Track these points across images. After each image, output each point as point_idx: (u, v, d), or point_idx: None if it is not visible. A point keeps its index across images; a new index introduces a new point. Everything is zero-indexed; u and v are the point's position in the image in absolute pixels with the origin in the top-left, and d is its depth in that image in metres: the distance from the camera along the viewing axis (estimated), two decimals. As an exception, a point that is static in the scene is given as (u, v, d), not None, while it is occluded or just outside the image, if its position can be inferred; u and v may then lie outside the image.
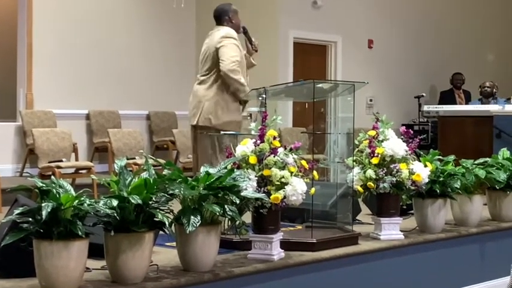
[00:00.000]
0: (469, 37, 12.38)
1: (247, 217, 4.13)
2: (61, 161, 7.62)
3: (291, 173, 4.02)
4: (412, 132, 5.03)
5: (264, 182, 4.00)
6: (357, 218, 5.64)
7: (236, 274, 3.87)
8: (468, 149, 7.45)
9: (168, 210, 3.69)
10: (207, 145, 5.54)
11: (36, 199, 3.43)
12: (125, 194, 3.44)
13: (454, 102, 10.98)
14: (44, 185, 3.36)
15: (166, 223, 3.49)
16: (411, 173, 4.82)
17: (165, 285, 3.55)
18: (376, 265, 4.70)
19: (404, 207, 5.56)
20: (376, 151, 4.83)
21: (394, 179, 4.77)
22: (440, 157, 5.36)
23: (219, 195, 3.73)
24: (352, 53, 10.69)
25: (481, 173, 5.41)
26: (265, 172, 3.99)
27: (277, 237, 4.12)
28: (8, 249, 3.40)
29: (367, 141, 4.91)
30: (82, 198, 3.32)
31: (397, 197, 4.91)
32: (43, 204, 3.18)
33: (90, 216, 3.40)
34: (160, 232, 3.68)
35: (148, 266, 3.59)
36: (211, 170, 3.84)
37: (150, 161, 3.87)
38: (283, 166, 4.03)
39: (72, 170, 7.64)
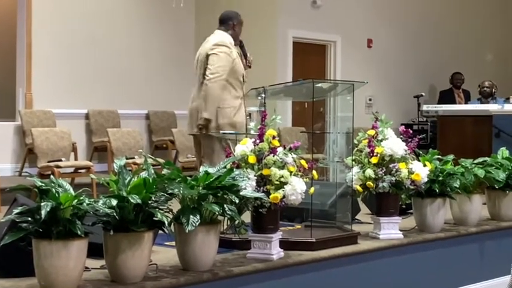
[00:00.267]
0: (469, 37, 12.38)
1: (247, 216, 4.13)
2: (60, 160, 7.61)
3: (290, 172, 4.02)
4: (411, 131, 5.04)
5: (263, 182, 4.00)
6: (356, 217, 5.64)
7: (235, 273, 3.87)
8: (467, 149, 7.46)
9: (168, 210, 3.69)
10: (214, 150, 5.49)
11: (36, 199, 3.43)
12: (124, 194, 3.44)
13: (453, 102, 10.99)
14: (43, 185, 3.36)
15: (166, 222, 3.50)
16: (410, 172, 4.82)
17: (164, 285, 3.55)
18: (375, 264, 4.70)
19: (404, 206, 5.56)
20: (375, 150, 4.83)
21: (394, 178, 4.78)
22: (439, 156, 5.36)
23: (219, 194, 3.73)
24: (351, 53, 10.69)
25: (480, 173, 5.42)
26: (265, 171, 3.99)
27: (277, 236, 4.12)
28: (7, 248, 3.39)
29: (367, 140, 4.91)
30: (81, 198, 3.32)
31: (396, 197, 4.92)
32: (42, 204, 3.18)
33: (89, 215, 3.40)
34: (160, 231, 3.69)
35: (147, 266, 3.59)
36: (211, 170, 3.85)
37: (149, 161, 3.87)
38: (282, 166, 4.04)
39: (72, 170, 7.64)
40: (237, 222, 4.00)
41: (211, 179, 3.74)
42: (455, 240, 5.29)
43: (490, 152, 6.48)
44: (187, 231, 3.56)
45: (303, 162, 4.16)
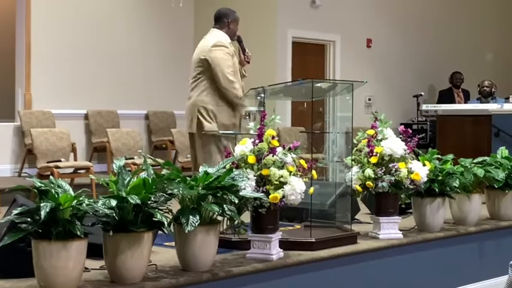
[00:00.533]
0: (468, 36, 12.38)
1: (246, 217, 4.13)
2: (60, 161, 7.61)
3: (290, 172, 4.02)
4: (410, 131, 5.04)
5: (262, 182, 4.00)
6: (356, 217, 5.64)
7: (235, 274, 3.87)
8: (467, 148, 7.46)
9: (167, 210, 3.69)
10: (209, 150, 5.49)
11: (35, 199, 3.43)
12: (124, 194, 3.44)
13: (452, 102, 10.99)
14: (42, 185, 3.36)
15: (165, 223, 3.50)
16: (410, 172, 4.82)
17: (164, 285, 3.55)
18: (375, 264, 4.71)
19: (403, 206, 5.56)
20: (374, 150, 4.83)
21: (393, 178, 4.78)
22: (439, 156, 5.36)
23: (218, 194, 3.73)
24: (350, 53, 10.68)
25: (480, 172, 5.42)
26: (264, 172, 3.99)
27: (276, 236, 4.12)
28: (6, 249, 3.39)
29: (366, 140, 4.91)
30: (81, 198, 3.32)
31: (396, 196, 4.92)
32: (42, 205, 3.18)
33: (88, 216, 3.40)
34: (159, 232, 3.68)
35: (147, 266, 3.59)
36: (210, 170, 3.84)
37: (149, 161, 3.87)
38: (281, 166, 4.04)
39: (71, 170, 7.64)
40: (236, 222, 4.00)
41: (210, 179, 3.74)
42: (455, 239, 5.29)
43: (489, 152, 6.49)
44: (186, 231, 3.56)
45: (302, 162, 4.16)
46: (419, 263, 5.03)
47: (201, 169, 3.89)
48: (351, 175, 4.84)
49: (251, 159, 4.03)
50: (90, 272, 3.65)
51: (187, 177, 3.78)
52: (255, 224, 4.09)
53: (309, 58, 10.38)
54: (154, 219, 3.49)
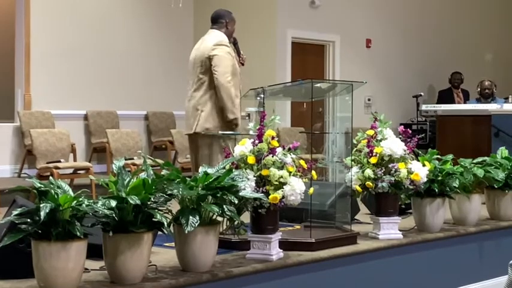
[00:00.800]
0: (468, 36, 12.38)
1: (246, 217, 4.13)
2: (59, 161, 7.61)
3: (290, 172, 4.02)
4: (410, 131, 5.04)
5: (262, 182, 4.00)
6: (356, 217, 5.64)
7: (235, 274, 3.87)
8: (466, 148, 7.46)
9: (167, 211, 3.69)
10: (214, 151, 5.48)
11: (35, 200, 3.43)
12: (123, 195, 3.44)
13: (452, 102, 10.99)
14: (42, 186, 3.36)
15: (165, 223, 3.50)
16: (409, 172, 4.82)
17: (163, 286, 3.55)
18: (374, 264, 4.70)
19: (403, 206, 5.56)
20: (374, 150, 4.83)
21: (393, 178, 4.78)
22: (438, 156, 5.36)
23: (218, 195, 3.73)
24: (350, 53, 10.68)
25: (480, 172, 5.42)
26: (264, 172, 3.99)
27: (276, 237, 4.12)
28: (6, 250, 3.39)
29: (366, 140, 4.91)
30: (80, 199, 3.32)
31: (396, 197, 4.92)
32: (41, 205, 3.18)
33: (88, 216, 3.40)
34: (159, 232, 3.68)
35: (147, 267, 3.59)
36: (210, 170, 3.84)
37: (149, 161, 3.87)
38: (281, 166, 4.03)
39: (71, 171, 7.64)
40: (236, 222, 4.00)
41: (210, 180, 3.74)
42: (455, 240, 5.29)
43: (489, 152, 6.48)
44: (186, 232, 3.56)
45: (302, 162, 4.15)
46: (419, 264, 5.03)
47: (201, 169, 3.89)
48: (351, 175, 4.84)
49: (251, 159, 4.03)
50: (90, 273, 3.65)
51: (186, 178, 3.78)
52: (255, 225, 4.09)
53: (308, 58, 10.38)
54: (154, 219, 3.49)
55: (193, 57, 5.64)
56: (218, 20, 5.68)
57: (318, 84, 4.94)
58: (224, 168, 3.92)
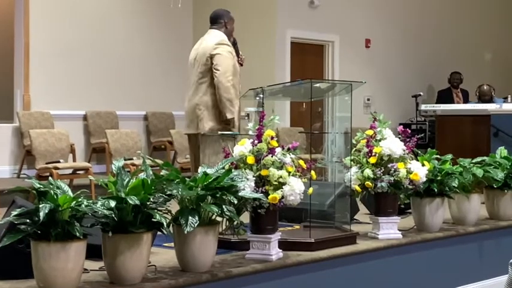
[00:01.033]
0: (467, 36, 12.38)
1: (245, 217, 4.13)
2: (58, 162, 7.61)
3: (289, 172, 4.02)
4: (409, 131, 5.04)
5: (261, 182, 4.00)
6: (355, 217, 5.64)
7: (234, 274, 3.87)
8: (466, 148, 7.46)
9: (166, 211, 3.69)
10: (213, 152, 5.48)
11: (34, 200, 3.43)
12: (123, 195, 3.44)
13: (451, 101, 10.99)
14: (41, 186, 3.36)
15: (164, 224, 3.50)
16: (409, 172, 4.82)
17: (163, 286, 3.55)
18: (374, 264, 4.70)
19: (402, 206, 5.56)
20: (373, 150, 4.83)
21: (392, 178, 4.78)
22: (437, 156, 5.36)
23: (217, 195, 3.73)
24: (349, 53, 10.68)
25: (479, 172, 5.42)
26: (263, 172, 3.99)
27: (275, 237, 4.12)
28: (5, 250, 3.39)
29: (365, 140, 4.91)
30: (80, 199, 3.32)
31: (395, 196, 4.92)
32: (41, 206, 3.18)
33: (88, 217, 3.40)
34: (159, 233, 3.68)
35: (146, 267, 3.59)
36: (209, 171, 3.84)
37: (148, 162, 3.87)
38: (281, 166, 4.03)
39: (70, 171, 7.64)
40: (235, 223, 4.00)
41: (209, 180, 3.74)
42: (454, 239, 5.29)
43: (488, 152, 6.48)
44: (186, 232, 3.56)
45: (301, 162, 4.15)
46: (419, 263, 5.03)
47: (200, 169, 3.89)
48: (350, 175, 4.84)
49: (250, 159, 4.03)
50: (89, 273, 3.65)
51: (186, 178, 3.78)
52: (254, 225, 4.09)
53: (307, 58, 10.37)
54: (153, 220, 3.49)
55: (194, 57, 5.64)
56: (217, 20, 5.68)
57: (317, 84, 4.94)
58: (223, 168, 3.92)
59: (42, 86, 8.85)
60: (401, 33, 11.42)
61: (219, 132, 5.42)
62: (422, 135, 8.74)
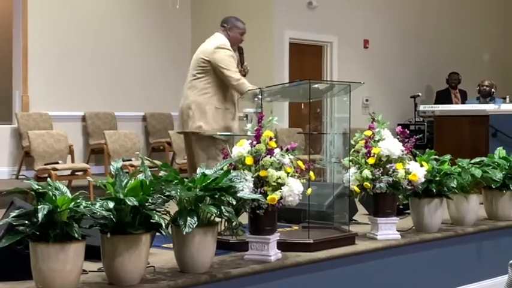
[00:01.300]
0: (465, 37, 12.39)
1: (244, 218, 4.13)
2: (57, 163, 7.61)
3: (288, 173, 4.02)
4: (408, 132, 5.04)
5: (260, 183, 4.00)
6: (354, 218, 5.64)
7: (233, 275, 3.87)
8: (464, 149, 7.46)
9: (165, 212, 3.68)
10: (205, 151, 5.51)
11: (32, 202, 3.43)
12: (121, 196, 3.44)
13: (450, 102, 11.00)
14: (40, 188, 3.36)
15: (163, 224, 3.49)
16: (407, 172, 4.82)
17: (162, 287, 3.54)
18: (373, 265, 4.70)
19: (401, 207, 5.56)
20: (372, 151, 4.83)
21: (391, 178, 4.78)
22: (436, 157, 5.36)
23: (216, 196, 3.72)
24: (347, 54, 10.69)
25: (477, 172, 5.42)
26: (262, 173, 3.99)
27: (274, 238, 4.12)
28: (4, 252, 3.39)
29: (363, 141, 4.91)
30: (78, 201, 3.32)
31: (394, 197, 4.92)
32: (39, 207, 3.17)
33: (86, 218, 3.39)
34: (157, 233, 3.68)
35: (145, 268, 3.58)
36: (208, 171, 3.84)
37: (146, 163, 3.87)
38: (279, 167, 4.03)
39: (68, 172, 7.63)
40: (234, 223, 4.00)
41: (208, 181, 3.74)
42: (453, 240, 5.29)
43: (486, 152, 6.48)
44: (184, 233, 3.56)
45: (300, 163, 4.15)
46: (417, 264, 5.03)
47: (199, 170, 3.89)
48: (349, 176, 4.84)
49: (249, 160, 4.03)
50: (88, 274, 3.65)
51: (184, 179, 3.78)
52: (253, 226, 4.09)
53: (306, 59, 10.38)
54: (152, 221, 3.49)
55: (194, 57, 5.71)
56: (222, 24, 5.79)
57: (316, 85, 4.94)
58: (222, 169, 3.92)
59: (40, 87, 8.85)
60: (399, 33, 11.43)
61: (218, 133, 5.43)
62: (420, 135, 8.77)
